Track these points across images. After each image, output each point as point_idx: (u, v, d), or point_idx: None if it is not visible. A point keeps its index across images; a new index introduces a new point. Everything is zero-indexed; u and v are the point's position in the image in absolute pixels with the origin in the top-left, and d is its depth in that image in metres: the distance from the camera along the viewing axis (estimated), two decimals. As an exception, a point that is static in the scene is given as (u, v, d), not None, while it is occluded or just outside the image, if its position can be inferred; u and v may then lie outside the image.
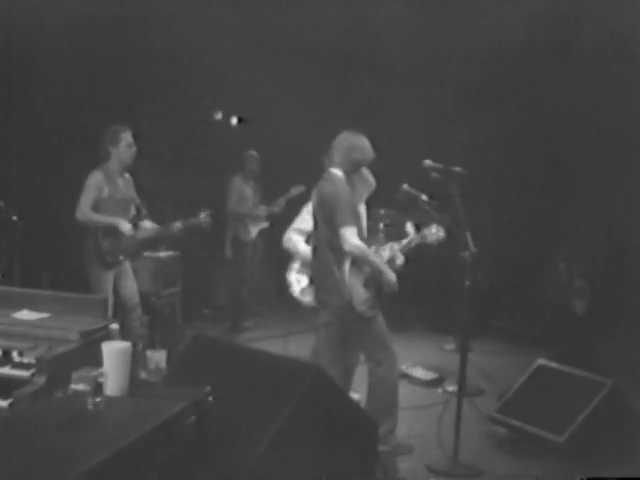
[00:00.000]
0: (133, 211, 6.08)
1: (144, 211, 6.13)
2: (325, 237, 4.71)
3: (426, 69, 8.79)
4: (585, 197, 8.75)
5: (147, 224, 6.10)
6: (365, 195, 5.17)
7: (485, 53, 8.37)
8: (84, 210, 5.75)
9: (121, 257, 5.89)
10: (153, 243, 7.01)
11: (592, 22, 7.79)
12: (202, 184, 8.59)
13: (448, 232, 5.07)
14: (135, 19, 7.25)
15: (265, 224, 8.39)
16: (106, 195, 5.83)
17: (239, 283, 8.36)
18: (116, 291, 5.93)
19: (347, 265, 4.60)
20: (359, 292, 4.63)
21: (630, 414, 4.95)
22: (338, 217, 4.58)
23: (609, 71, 7.96)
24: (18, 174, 6.69)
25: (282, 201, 8.27)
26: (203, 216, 6.13)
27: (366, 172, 5.05)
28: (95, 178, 5.81)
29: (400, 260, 5.00)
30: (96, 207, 5.80)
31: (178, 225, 6.06)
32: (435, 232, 4.95)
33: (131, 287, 6.00)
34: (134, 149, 5.94)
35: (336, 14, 8.52)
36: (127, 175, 6.08)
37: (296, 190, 8.10)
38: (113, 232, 5.82)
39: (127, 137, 5.89)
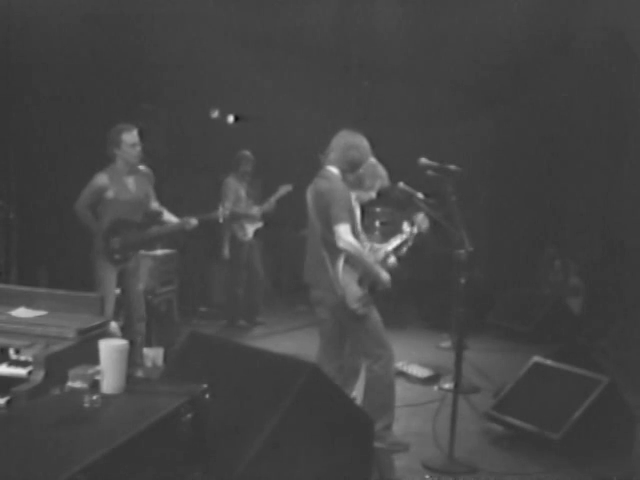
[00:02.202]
0: (151, 207, 6.05)
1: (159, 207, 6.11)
2: (319, 234, 4.71)
3: (423, 68, 8.81)
4: (581, 195, 8.80)
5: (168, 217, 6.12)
6: (377, 187, 5.17)
7: (483, 53, 8.39)
8: (80, 205, 5.77)
9: (130, 254, 5.88)
10: (164, 239, 7.00)
11: (591, 21, 7.81)
12: (199, 183, 8.60)
13: (444, 230, 5.11)
14: (134, 19, 7.24)
15: (260, 224, 8.40)
16: (111, 196, 5.75)
17: (236, 282, 8.36)
18: (121, 288, 5.92)
19: (341, 262, 4.60)
20: (353, 290, 4.61)
21: (625, 411, 4.97)
22: (333, 213, 4.59)
23: (607, 70, 7.98)
24: (16, 172, 6.68)
25: (272, 200, 8.30)
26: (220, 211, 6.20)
27: (378, 165, 5.09)
28: (98, 180, 5.75)
29: (392, 260, 5.00)
30: (102, 208, 5.77)
31: (194, 221, 6.06)
32: (423, 219, 4.99)
33: (135, 284, 6.00)
34: (138, 148, 5.81)
35: (334, 14, 8.53)
36: (145, 170, 6.03)
37: (284, 189, 8.17)
38: (123, 230, 5.80)
39: (130, 137, 5.75)
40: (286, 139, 8.97)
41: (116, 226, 5.79)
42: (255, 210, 8.29)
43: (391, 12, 8.54)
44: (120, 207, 5.81)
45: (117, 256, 5.80)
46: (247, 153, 8.36)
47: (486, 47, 8.28)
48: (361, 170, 5.00)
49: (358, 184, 5.16)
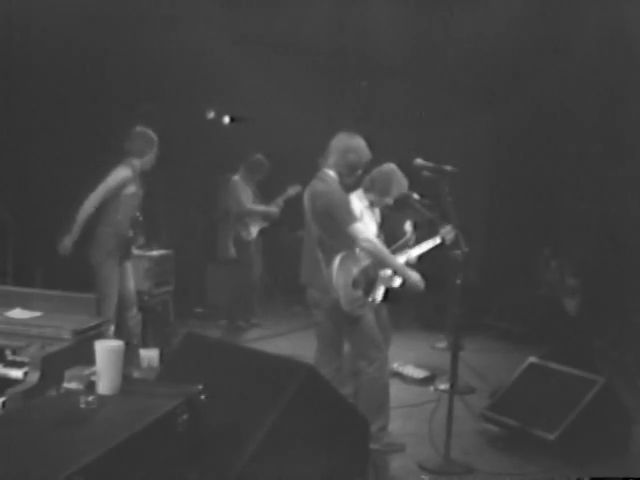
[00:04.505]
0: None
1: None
2: (315, 236, 4.69)
3: (421, 69, 8.82)
4: (577, 196, 8.79)
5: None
6: (393, 193, 5.24)
7: (480, 53, 8.40)
8: (95, 199, 5.60)
9: (141, 243, 5.96)
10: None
11: (590, 22, 7.82)
12: (198, 183, 8.60)
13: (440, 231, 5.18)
14: (134, 19, 7.23)
15: (265, 224, 8.36)
16: (133, 191, 5.74)
17: (242, 283, 8.31)
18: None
19: (335, 264, 4.56)
20: (347, 292, 4.59)
21: (621, 412, 4.98)
22: (340, 217, 4.54)
23: (606, 70, 7.99)
24: (11, 172, 6.67)
25: (280, 201, 8.27)
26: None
27: (396, 171, 5.20)
28: (122, 173, 5.69)
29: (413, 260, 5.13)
30: (119, 202, 5.69)
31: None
32: (449, 230, 5.05)
33: (129, 285, 5.98)
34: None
35: (332, 14, 8.54)
36: None
37: (293, 190, 8.07)
38: (137, 225, 5.81)
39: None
40: (284, 140, 8.96)
41: (134, 221, 5.81)
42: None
43: (389, 12, 8.54)
44: (137, 203, 5.84)
45: (130, 249, 5.87)
46: (261, 158, 8.27)
47: (484, 47, 8.29)
48: (374, 173, 5.04)
49: (370, 187, 5.20)
